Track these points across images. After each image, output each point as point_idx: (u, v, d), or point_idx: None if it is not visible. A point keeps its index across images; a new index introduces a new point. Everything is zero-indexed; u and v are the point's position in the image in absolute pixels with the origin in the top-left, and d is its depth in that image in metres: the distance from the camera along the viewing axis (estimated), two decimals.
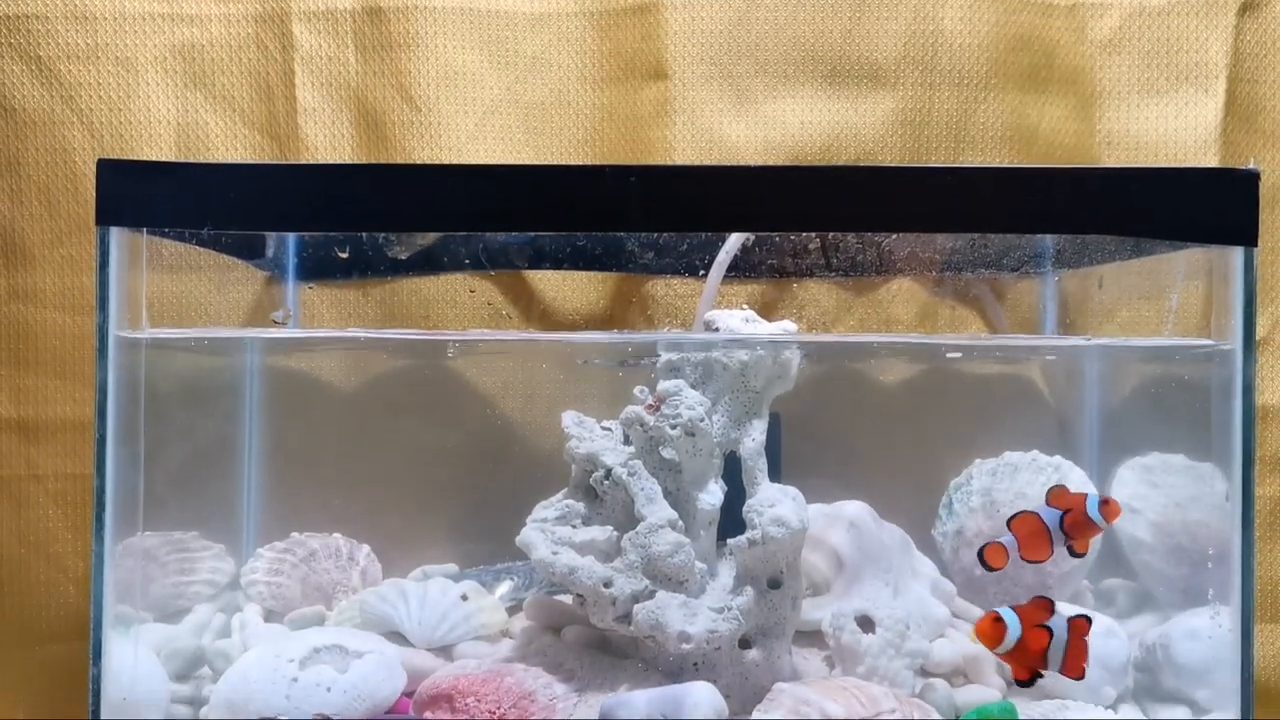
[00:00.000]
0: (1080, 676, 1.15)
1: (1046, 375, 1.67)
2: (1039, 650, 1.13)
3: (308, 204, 1.13)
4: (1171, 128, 1.66)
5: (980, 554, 1.18)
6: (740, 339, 1.35)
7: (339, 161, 1.61)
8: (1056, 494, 1.19)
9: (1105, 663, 1.30)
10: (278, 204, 1.14)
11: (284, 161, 1.60)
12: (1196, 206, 1.14)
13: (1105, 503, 1.18)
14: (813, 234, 1.36)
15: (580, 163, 1.60)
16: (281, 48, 1.63)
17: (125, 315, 1.16)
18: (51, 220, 1.60)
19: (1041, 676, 1.15)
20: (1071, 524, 1.17)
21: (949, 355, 1.64)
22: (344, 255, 1.45)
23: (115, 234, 1.14)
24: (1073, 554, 1.19)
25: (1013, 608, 1.14)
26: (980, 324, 1.67)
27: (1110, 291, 1.50)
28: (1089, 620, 1.17)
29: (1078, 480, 1.50)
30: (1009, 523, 1.19)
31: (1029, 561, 1.18)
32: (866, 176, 1.14)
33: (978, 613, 1.47)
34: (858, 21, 1.64)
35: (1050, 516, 1.18)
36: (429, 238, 1.47)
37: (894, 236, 1.34)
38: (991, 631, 1.13)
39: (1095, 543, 1.43)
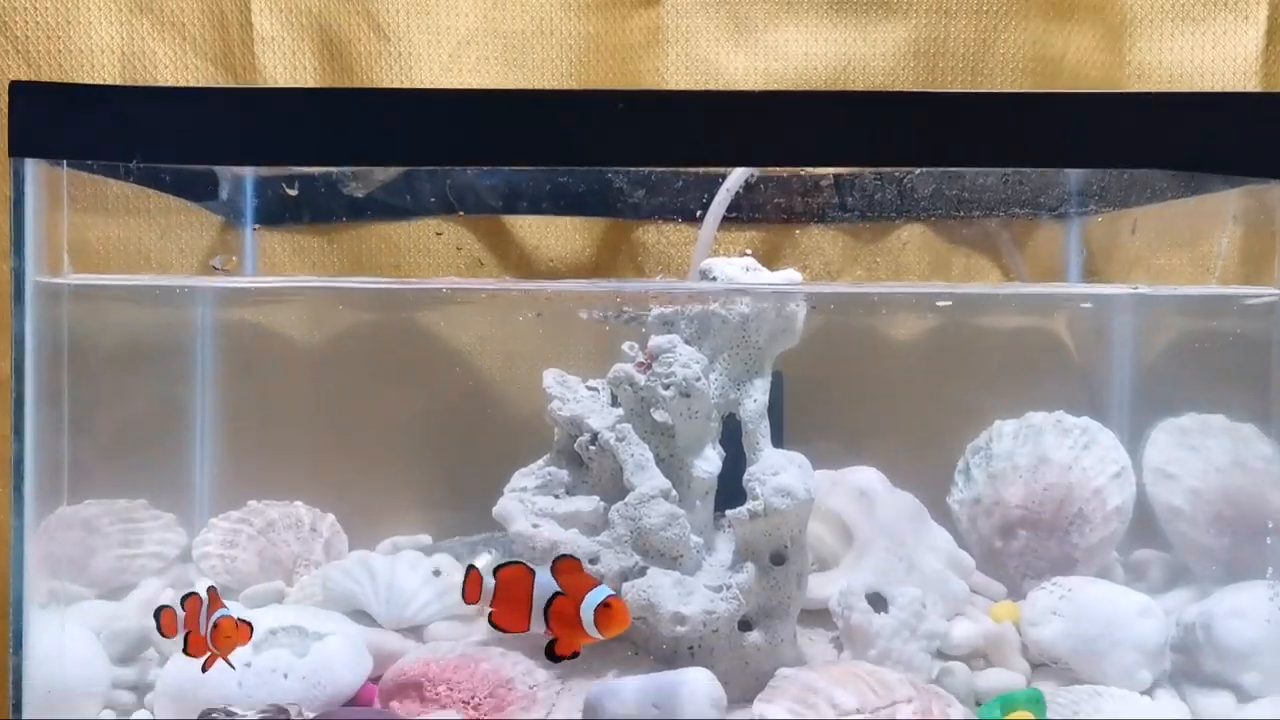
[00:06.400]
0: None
1: (1073, 329, 1.60)
2: None
3: (250, 134, 1.04)
4: (1208, 58, 1.56)
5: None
6: (741, 288, 1.27)
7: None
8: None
9: (1141, 644, 1.22)
10: (216, 133, 1.04)
11: (223, 85, 1.50)
12: (1255, 137, 1.04)
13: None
14: (825, 169, 1.28)
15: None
16: None
17: (45, 259, 1.07)
18: None
19: None
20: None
21: (938, 304, 1.56)
22: (293, 191, 1.36)
23: (31, 167, 1.03)
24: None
25: None
26: (998, 275, 1.59)
27: (1143, 237, 1.42)
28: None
29: (1106, 444, 1.42)
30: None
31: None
32: (886, 103, 1.04)
33: (998, 588, 1.41)
34: None
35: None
36: (389, 173, 1.38)
37: (916, 173, 1.24)
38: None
39: (1107, 511, 1.38)
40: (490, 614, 1.00)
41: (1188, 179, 1.16)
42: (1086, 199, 1.38)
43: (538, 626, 0.98)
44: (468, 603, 1.02)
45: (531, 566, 0.99)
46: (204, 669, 1.04)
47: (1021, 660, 1.26)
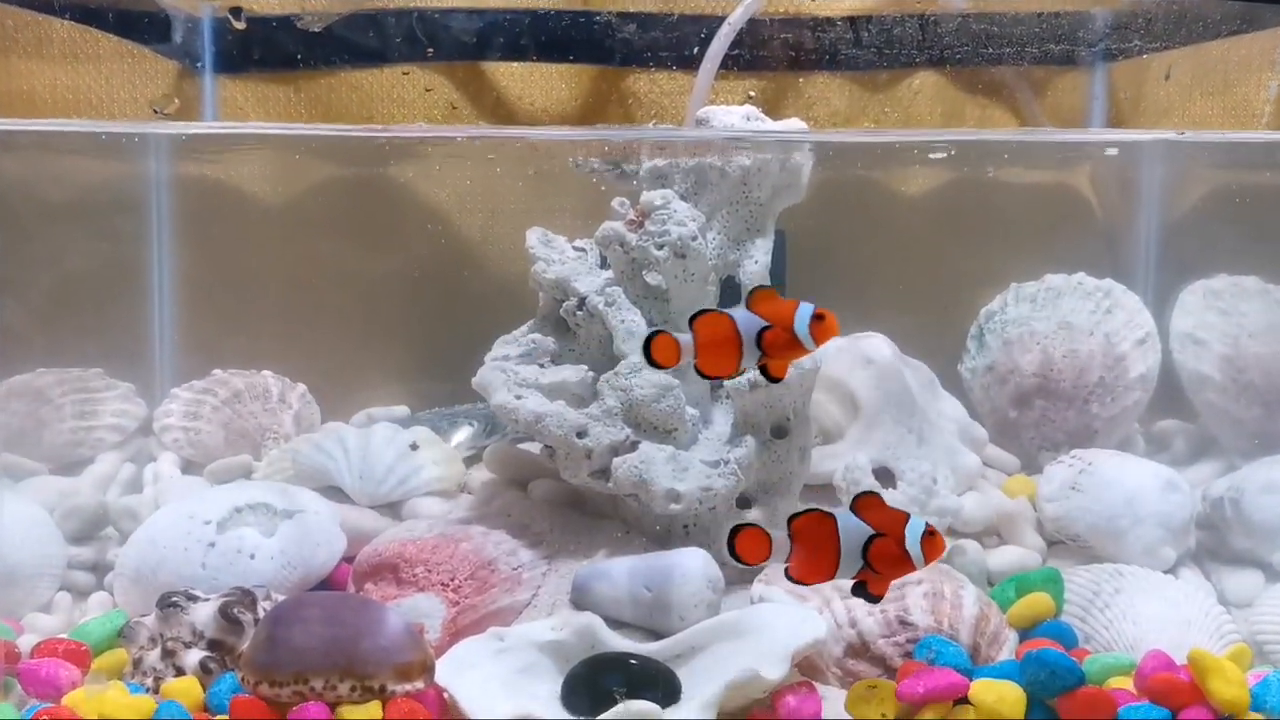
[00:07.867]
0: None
1: (1096, 183, 1.55)
2: None
3: None
4: None
5: (646, 347, 0.95)
6: (742, 137, 1.21)
7: None
8: (759, 297, 0.96)
9: (1164, 520, 1.20)
10: None
11: None
12: None
13: (820, 317, 0.94)
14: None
15: None
16: None
17: None
18: None
19: None
20: (772, 340, 0.95)
21: (933, 156, 1.51)
22: (239, 25, 1.27)
23: None
24: (766, 378, 0.97)
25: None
26: (1015, 126, 1.53)
27: (1176, 83, 1.39)
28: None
29: (1130, 307, 1.39)
30: (691, 321, 0.96)
31: (706, 376, 0.99)
32: None
33: (1012, 461, 1.39)
34: None
35: (747, 324, 0.95)
36: (345, 6, 1.30)
37: (936, 5, 1.16)
38: None
39: (1130, 380, 1.35)
40: (787, 569, 0.93)
41: (1243, 12, 1.11)
42: (1129, 34, 1.32)
43: (845, 573, 0.92)
44: (749, 564, 0.93)
45: (829, 511, 0.93)
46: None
47: (1037, 538, 1.25)
